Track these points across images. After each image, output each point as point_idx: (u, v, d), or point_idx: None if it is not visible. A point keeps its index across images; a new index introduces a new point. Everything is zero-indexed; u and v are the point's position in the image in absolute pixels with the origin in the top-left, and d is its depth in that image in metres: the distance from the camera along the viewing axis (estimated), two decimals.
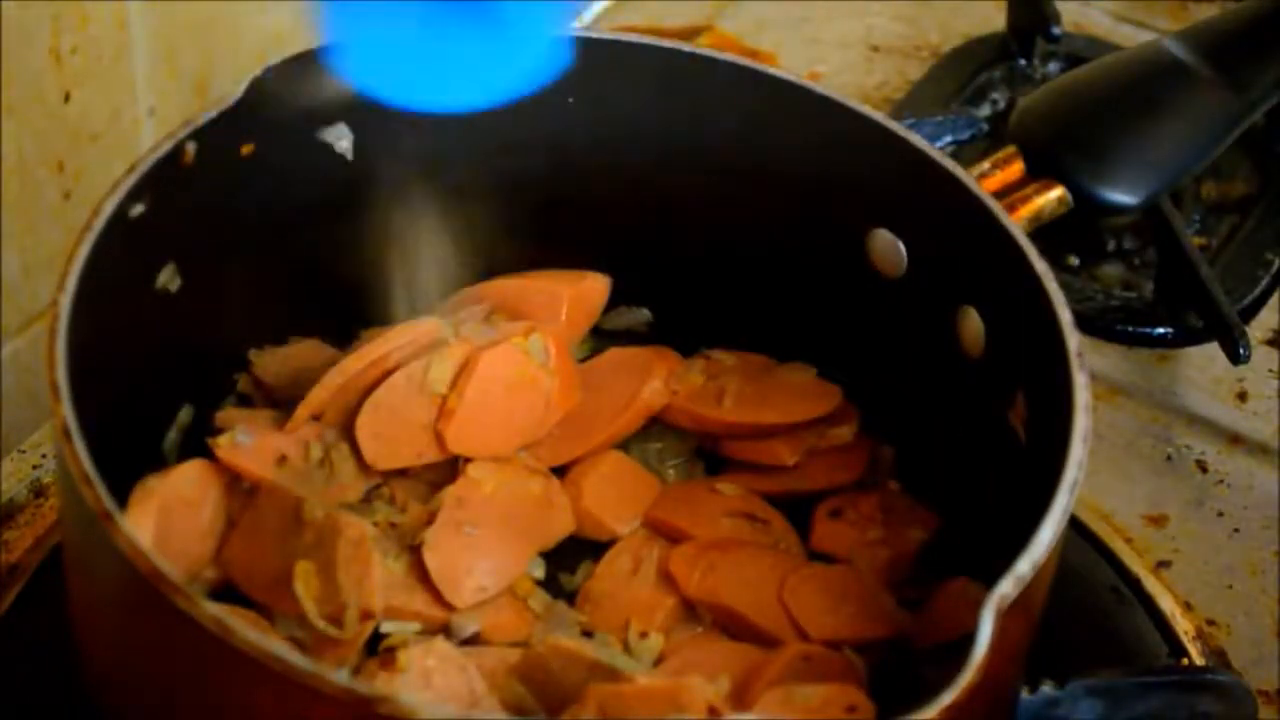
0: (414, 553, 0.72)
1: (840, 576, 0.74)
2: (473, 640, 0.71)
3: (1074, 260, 0.98)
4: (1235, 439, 0.90)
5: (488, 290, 0.80)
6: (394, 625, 0.70)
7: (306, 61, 0.71)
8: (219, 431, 0.73)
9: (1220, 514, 0.86)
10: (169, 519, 0.68)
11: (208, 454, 0.72)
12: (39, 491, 0.81)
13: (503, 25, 0.59)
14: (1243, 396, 0.92)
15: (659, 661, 0.71)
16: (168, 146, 0.68)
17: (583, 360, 0.82)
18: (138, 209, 0.66)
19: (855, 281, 0.77)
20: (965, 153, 1.00)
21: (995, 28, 1.12)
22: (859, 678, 0.68)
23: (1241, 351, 0.88)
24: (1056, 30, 1.05)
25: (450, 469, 0.75)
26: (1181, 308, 0.93)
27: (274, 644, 0.52)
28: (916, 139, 0.74)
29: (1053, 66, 1.10)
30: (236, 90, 0.69)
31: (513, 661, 0.66)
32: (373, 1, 0.59)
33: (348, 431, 0.74)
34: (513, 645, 0.70)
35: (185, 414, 0.75)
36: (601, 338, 0.83)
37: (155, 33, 0.91)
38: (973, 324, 0.73)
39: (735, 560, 0.74)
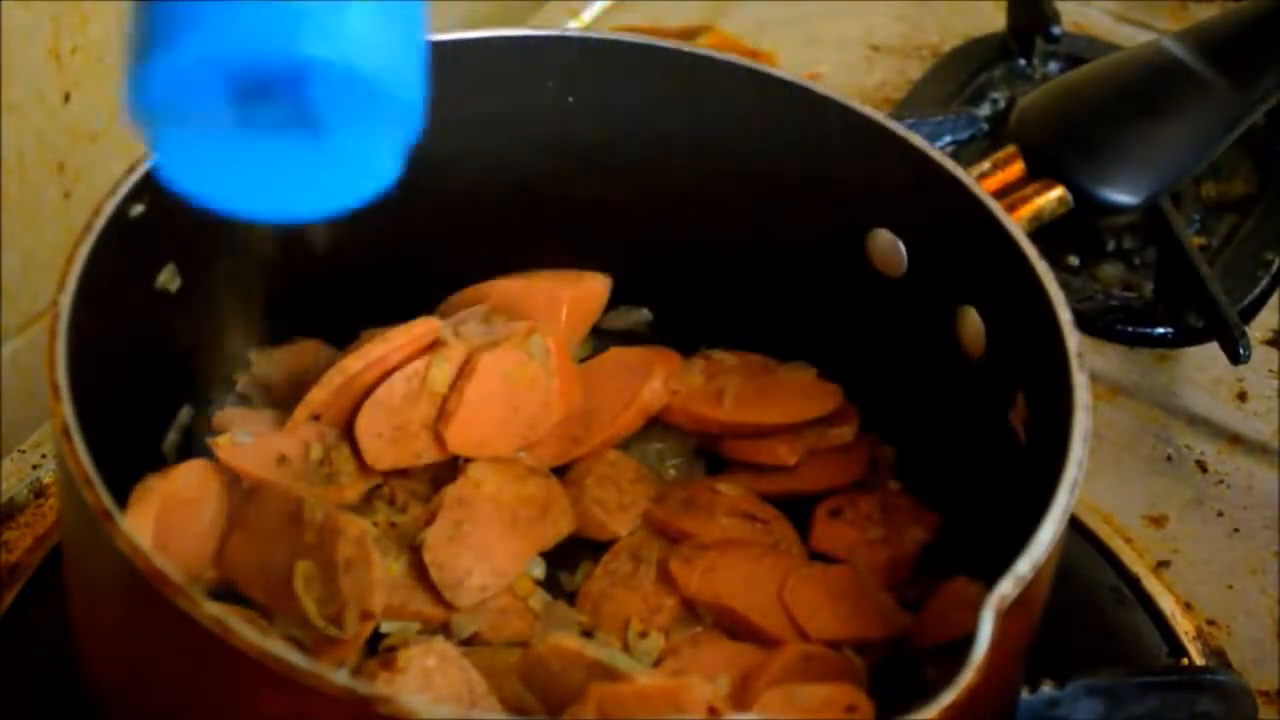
0: (414, 553, 0.72)
1: (840, 576, 0.74)
2: (473, 640, 0.71)
3: (1074, 260, 0.98)
4: (1235, 439, 0.90)
5: (488, 290, 0.80)
6: (394, 625, 0.70)
7: None
8: (219, 431, 0.73)
9: (1220, 514, 0.86)
10: (169, 519, 0.68)
11: (208, 454, 0.72)
12: (39, 491, 0.81)
13: (327, 137, 0.56)
14: (1243, 396, 0.92)
15: (659, 661, 0.71)
16: None
17: (583, 360, 0.82)
18: (138, 209, 0.66)
19: (855, 281, 0.77)
20: (965, 153, 1.00)
21: (995, 28, 1.12)
22: (859, 678, 0.68)
23: (1241, 351, 0.88)
24: (1056, 30, 1.05)
25: (450, 469, 0.75)
26: (1181, 308, 0.93)
27: (274, 644, 0.52)
28: (916, 139, 0.74)
29: (1053, 66, 1.10)
30: None
31: (513, 661, 0.66)
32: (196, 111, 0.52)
33: (348, 431, 0.74)
34: (513, 645, 0.70)
35: (185, 414, 0.75)
36: (601, 338, 0.83)
37: None
38: (973, 324, 0.73)
39: (735, 560, 0.74)
